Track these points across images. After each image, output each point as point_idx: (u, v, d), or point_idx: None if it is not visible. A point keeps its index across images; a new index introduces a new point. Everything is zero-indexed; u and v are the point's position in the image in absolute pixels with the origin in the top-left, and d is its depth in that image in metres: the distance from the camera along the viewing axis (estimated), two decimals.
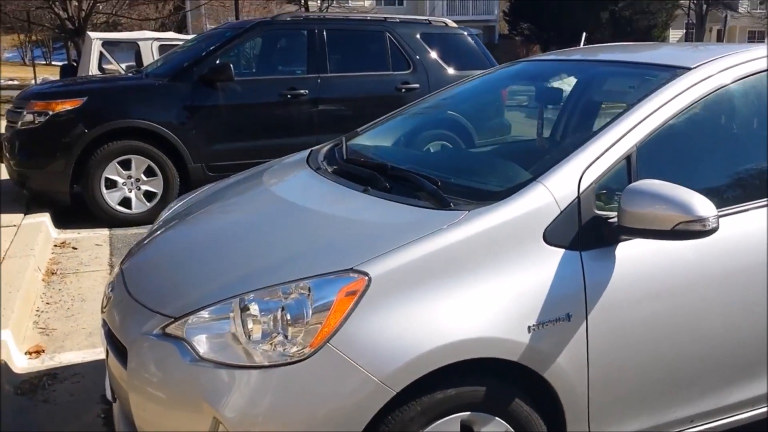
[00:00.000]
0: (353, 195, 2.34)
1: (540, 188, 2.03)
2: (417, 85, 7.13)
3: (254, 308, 1.87)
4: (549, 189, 2.03)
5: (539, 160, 2.33)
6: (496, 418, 1.94)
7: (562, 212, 2.01)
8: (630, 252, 2.05)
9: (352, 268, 1.85)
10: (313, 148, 3.24)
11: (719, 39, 48.23)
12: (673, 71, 2.37)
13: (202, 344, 1.89)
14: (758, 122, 2.56)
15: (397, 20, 7.34)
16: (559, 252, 1.99)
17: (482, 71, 3.47)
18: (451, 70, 7.35)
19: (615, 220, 2.03)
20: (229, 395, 1.78)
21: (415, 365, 1.79)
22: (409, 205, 2.16)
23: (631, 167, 2.12)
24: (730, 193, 2.27)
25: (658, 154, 2.21)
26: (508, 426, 1.96)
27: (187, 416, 1.86)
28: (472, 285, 1.89)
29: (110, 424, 2.79)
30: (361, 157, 2.87)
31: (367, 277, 1.83)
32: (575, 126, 2.83)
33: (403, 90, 7.07)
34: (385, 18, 7.27)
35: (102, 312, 2.31)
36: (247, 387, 1.78)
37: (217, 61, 6.37)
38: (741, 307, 2.22)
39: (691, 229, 1.89)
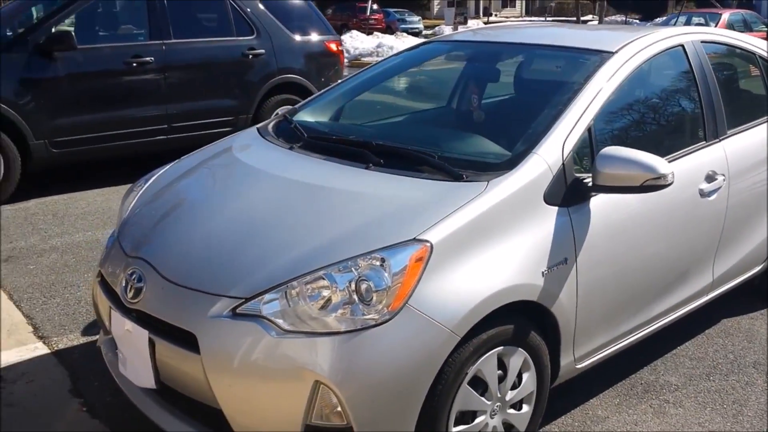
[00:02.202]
0: (358, 172, 2.57)
1: (536, 158, 2.45)
2: (263, 51, 7.20)
3: (328, 281, 2.08)
4: (543, 158, 2.46)
5: (509, 132, 2.76)
6: (519, 348, 2.36)
7: (554, 176, 2.45)
8: (596, 204, 2.57)
9: (415, 238, 2.14)
10: (257, 126, 3.36)
11: None
12: (600, 55, 2.91)
13: (283, 318, 2.06)
14: (665, 91, 3.24)
15: None
16: (554, 209, 2.44)
17: (413, 48, 3.75)
18: (294, 36, 7.51)
19: (588, 179, 2.52)
20: (326, 359, 1.99)
21: (473, 313, 2.14)
22: (420, 178, 2.46)
23: (592, 136, 2.62)
24: (656, 149, 2.84)
25: (606, 124, 2.74)
26: (527, 354, 2.39)
27: (283, 385, 2.03)
28: (502, 242, 2.28)
29: (100, 416, 2.78)
30: (323, 133, 3.09)
31: (429, 244, 2.13)
32: (528, 102, 3.26)
33: (250, 56, 7.10)
34: None
35: (131, 303, 2.32)
36: (341, 349, 2.00)
37: (53, 29, 5.93)
38: (670, 234, 2.86)
39: (656, 184, 2.43)
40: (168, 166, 3.13)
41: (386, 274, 2.07)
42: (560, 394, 2.90)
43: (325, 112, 3.47)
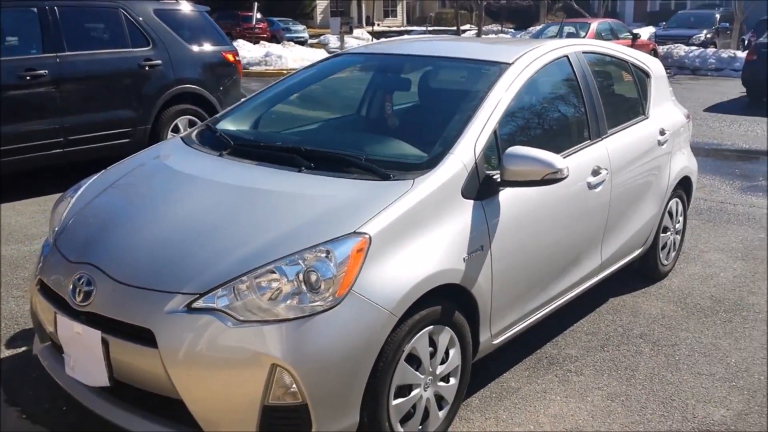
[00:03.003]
0: (291, 175, 2.77)
1: (453, 157, 2.75)
2: (159, 62, 7.19)
3: (278, 274, 2.27)
4: (459, 157, 2.76)
5: (424, 135, 3.06)
6: (446, 327, 2.65)
7: (468, 174, 2.76)
8: (504, 198, 2.90)
9: (354, 231, 2.37)
10: (180, 136, 3.48)
11: (359, 6, 53.32)
12: (499, 66, 3.26)
13: (237, 310, 2.23)
14: (554, 97, 3.65)
15: None
16: (470, 203, 2.75)
17: (323, 60, 3.97)
18: (190, 46, 7.53)
19: (497, 176, 2.84)
20: (282, 343, 2.18)
21: (408, 296, 2.40)
22: (350, 179, 2.69)
23: (497, 138, 2.95)
24: (550, 147, 3.20)
25: (507, 127, 3.09)
26: (452, 332, 2.68)
27: (241, 371, 2.20)
28: (429, 232, 2.55)
29: (42, 422, 2.81)
30: (249, 140, 3.26)
31: (368, 236, 2.37)
32: (438, 108, 3.53)
33: (147, 67, 7.07)
34: None
35: (80, 306, 2.41)
36: (295, 334, 2.19)
37: None
38: (565, 222, 3.26)
39: (554, 178, 2.79)
40: (96, 176, 3.19)
41: (332, 264, 2.29)
42: (477, 371, 3.21)
43: (245, 121, 3.63)
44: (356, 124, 3.93)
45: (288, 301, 2.25)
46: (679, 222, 4.65)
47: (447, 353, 2.69)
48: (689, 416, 3.01)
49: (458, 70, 3.66)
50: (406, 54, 3.91)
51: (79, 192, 3.05)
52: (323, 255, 2.31)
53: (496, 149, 2.94)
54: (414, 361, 2.53)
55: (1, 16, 6.23)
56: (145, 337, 2.27)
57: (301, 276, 2.28)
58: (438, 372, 2.65)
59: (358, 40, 34.42)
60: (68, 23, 6.54)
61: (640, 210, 4.01)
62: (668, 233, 4.50)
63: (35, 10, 6.36)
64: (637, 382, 3.28)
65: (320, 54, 23.77)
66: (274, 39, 29.85)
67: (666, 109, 4.45)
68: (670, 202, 4.39)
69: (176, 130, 7.41)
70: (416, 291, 2.43)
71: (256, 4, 25.33)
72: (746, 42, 20.94)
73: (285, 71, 20.44)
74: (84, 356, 2.44)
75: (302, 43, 30.77)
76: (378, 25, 51.78)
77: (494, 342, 2.99)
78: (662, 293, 4.35)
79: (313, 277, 2.26)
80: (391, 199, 2.53)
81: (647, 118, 4.21)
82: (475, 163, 2.80)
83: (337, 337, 2.25)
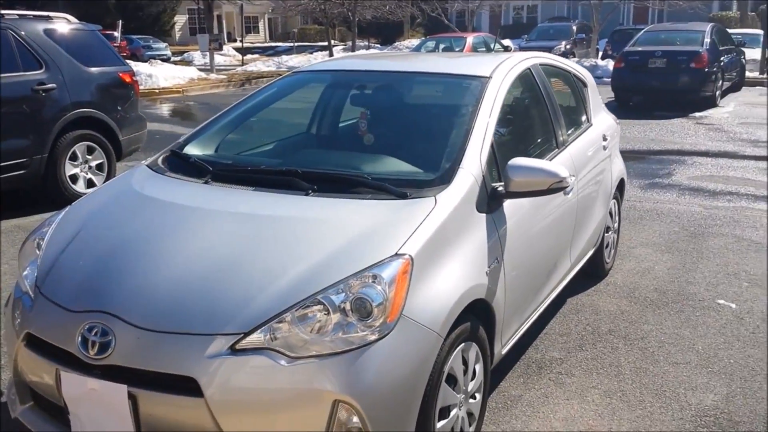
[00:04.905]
0: (300, 199, 2.63)
1: (463, 172, 2.74)
2: (54, 85, 6.65)
3: (325, 304, 2.15)
4: (469, 171, 2.75)
5: (422, 151, 3.03)
6: (473, 343, 2.62)
7: (479, 188, 2.75)
8: (505, 208, 2.92)
9: (396, 253, 2.29)
10: (146, 164, 3.21)
11: (220, 23, 52.30)
12: (479, 79, 3.29)
13: (287, 347, 2.09)
14: (526, 108, 3.72)
15: (16, 16, 6.64)
16: (483, 216, 2.74)
17: (285, 78, 3.81)
18: (86, 67, 7.02)
19: (501, 187, 2.85)
20: (342, 378, 2.06)
21: (451, 314, 2.35)
22: (364, 200, 2.60)
23: (494, 150, 2.97)
24: (532, 156, 3.27)
25: (497, 138, 3.11)
26: (477, 347, 2.66)
27: (301, 411, 2.05)
28: (457, 248, 2.52)
29: None
30: (230, 165, 3.08)
31: (410, 257, 2.29)
32: (427, 123, 3.47)
33: (41, 92, 6.51)
34: (2, 14, 6.49)
35: (96, 359, 2.14)
36: (354, 367, 2.08)
37: None
38: (550, 228, 3.34)
39: (559, 187, 2.84)
40: (62, 214, 2.87)
41: (380, 289, 2.19)
42: None
43: (213, 145, 3.41)
44: (339, 143, 3.81)
45: (337, 333, 2.13)
46: (616, 221, 4.90)
47: (474, 369, 2.66)
48: (684, 404, 3.17)
49: (434, 85, 3.65)
50: (375, 70, 3.84)
51: (50, 233, 2.73)
52: (370, 280, 2.21)
53: (494, 161, 2.95)
54: (450, 380, 2.48)
55: None
56: (184, 387, 2.06)
57: (347, 305, 2.16)
58: (469, 389, 2.62)
59: (225, 56, 33.71)
60: None
61: (594, 212, 4.19)
62: (609, 232, 4.73)
63: None
64: (626, 377, 3.41)
65: (190, 72, 22.98)
66: (134, 57, 28.62)
67: (603, 116, 4.69)
68: (610, 203, 4.62)
69: (74, 158, 6.88)
70: (456, 309, 2.39)
71: (120, 22, 24.08)
72: (603, 51, 22.54)
73: (157, 90, 19.59)
74: (100, 415, 2.18)
75: (166, 60, 29.65)
76: (241, 41, 51.13)
77: (503, 352, 3.00)
78: (611, 290, 4.56)
79: (365, 305, 2.16)
80: (420, 217, 2.47)
81: (591, 125, 4.41)
82: (483, 176, 2.80)
83: (394, 365, 2.16)
